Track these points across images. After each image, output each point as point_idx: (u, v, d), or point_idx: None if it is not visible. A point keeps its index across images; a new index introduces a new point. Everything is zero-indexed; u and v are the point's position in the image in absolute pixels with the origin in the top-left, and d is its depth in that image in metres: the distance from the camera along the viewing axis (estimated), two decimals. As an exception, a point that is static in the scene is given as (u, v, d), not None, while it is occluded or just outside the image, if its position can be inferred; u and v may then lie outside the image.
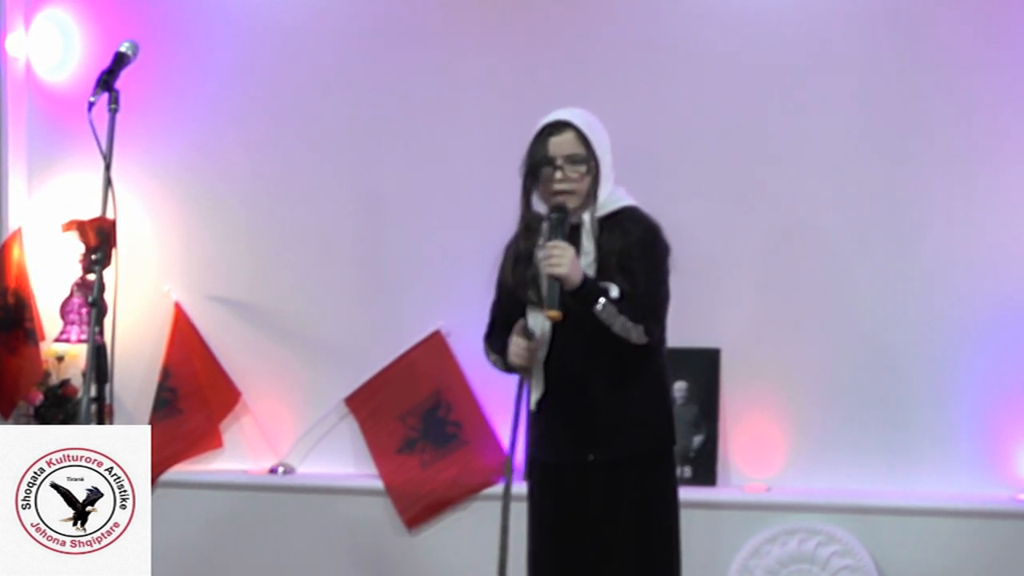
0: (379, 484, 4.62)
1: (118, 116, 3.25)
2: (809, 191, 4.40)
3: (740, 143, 4.45)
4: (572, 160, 3.28)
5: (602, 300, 3.16)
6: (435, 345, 4.66)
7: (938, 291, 4.29)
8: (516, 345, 3.31)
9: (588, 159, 3.29)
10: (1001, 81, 4.25)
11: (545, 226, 3.29)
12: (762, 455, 4.42)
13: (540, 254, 3.26)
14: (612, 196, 3.34)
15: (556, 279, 3.15)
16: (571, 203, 3.28)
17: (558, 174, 3.28)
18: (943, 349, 4.28)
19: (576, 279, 3.15)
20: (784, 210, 4.42)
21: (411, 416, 4.67)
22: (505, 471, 3.40)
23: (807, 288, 4.40)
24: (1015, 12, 4.25)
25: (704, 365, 4.42)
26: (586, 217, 3.30)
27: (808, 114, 4.40)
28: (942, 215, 4.30)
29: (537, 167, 3.30)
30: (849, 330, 4.36)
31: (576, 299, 3.17)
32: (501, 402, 4.39)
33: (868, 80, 4.35)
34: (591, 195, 3.30)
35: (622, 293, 3.20)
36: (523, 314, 3.36)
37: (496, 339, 3.45)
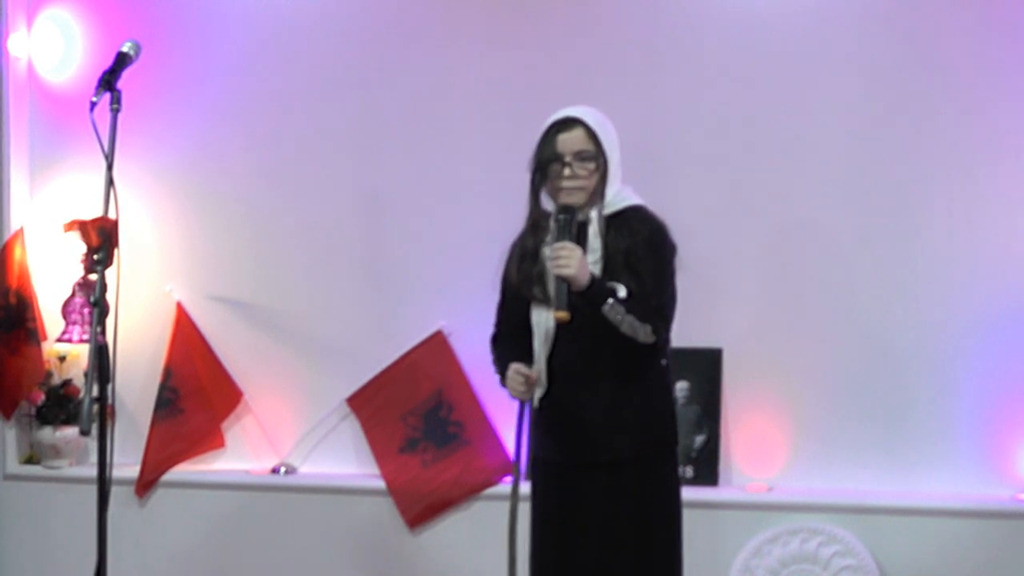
0: (381, 484, 4.62)
1: (120, 116, 3.24)
2: (810, 192, 4.40)
3: (741, 143, 4.45)
4: (581, 157, 3.28)
5: (610, 300, 3.16)
6: (437, 345, 4.66)
7: (939, 291, 4.29)
8: (514, 380, 3.31)
9: (597, 156, 3.29)
10: (1002, 80, 4.25)
11: (553, 226, 3.28)
12: (764, 455, 4.42)
13: (547, 252, 3.26)
14: (620, 195, 3.34)
15: (564, 280, 3.15)
16: (579, 200, 3.29)
17: (567, 171, 3.28)
18: (944, 349, 4.28)
19: (584, 280, 3.15)
20: (786, 210, 4.42)
21: (413, 416, 4.67)
22: (512, 490, 3.41)
23: (809, 288, 4.40)
24: (1016, 13, 4.25)
25: (706, 365, 4.42)
26: (594, 215, 3.30)
27: (808, 114, 4.40)
28: (943, 216, 4.30)
29: (546, 163, 3.31)
30: (850, 330, 4.36)
31: (584, 299, 3.17)
32: (503, 402, 4.39)
33: (870, 80, 4.35)
34: (599, 192, 3.31)
35: (629, 292, 3.20)
36: (528, 312, 3.36)
37: (502, 347, 3.46)
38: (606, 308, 3.16)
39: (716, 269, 4.36)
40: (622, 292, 3.19)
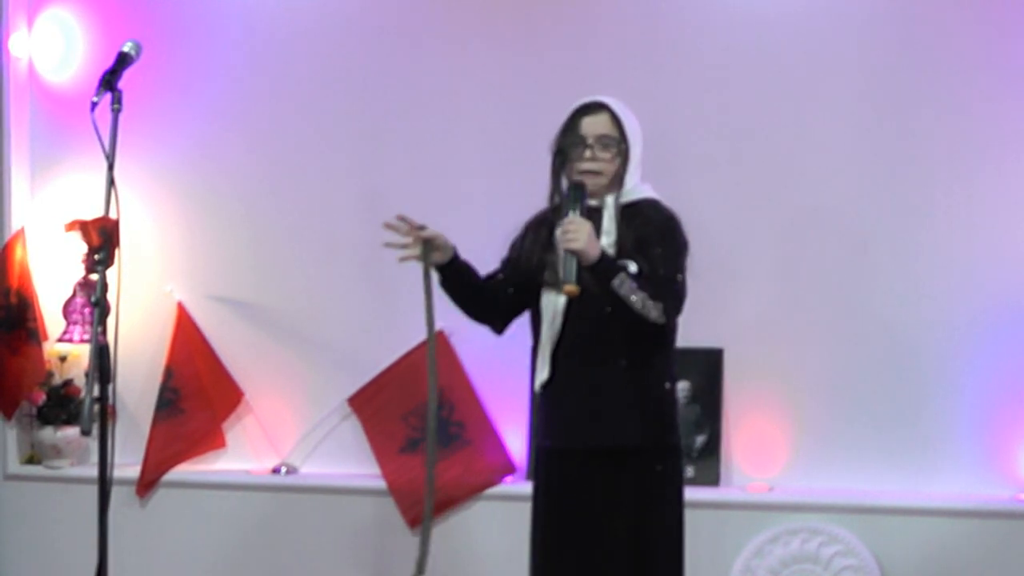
0: (382, 484, 4.62)
1: (121, 116, 3.25)
2: (812, 192, 4.40)
3: (743, 143, 4.45)
4: (603, 141, 3.30)
5: (621, 274, 3.15)
6: (438, 345, 4.65)
7: (939, 292, 4.30)
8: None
9: (619, 142, 3.31)
10: (1003, 80, 4.26)
11: (563, 201, 3.29)
12: (764, 455, 4.42)
13: (558, 233, 3.25)
14: (638, 187, 3.35)
15: (573, 253, 3.15)
16: (598, 183, 3.29)
17: (588, 153, 3.29)
18: (944, 349, 4.28)
19: (593, 254, 3.14)
20: (786, 211, 4.42)
21: (414, 416, 4.67)
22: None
23: (810, 289, 4.40)
24: (1016, 13, 4.25)
25: (707, 365, 4.42)
26: (610, 200, 3.31)
27: (808, 115, 4.40)
28: (944, 216, 4.31)
29: (568, 146, 3.31)
30: (851, 331, 4.36)
31: (593, 274, 3.16)
32: (504, 402, 4.41)
33: (869, 82, 4.35)
34: (618, 179, 3.31)
35: (640, 271, 3.20)
36: (525, 287, 3.36)
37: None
38: (616, 283, 3.15)
39: (717, 269, 4.34)
40: (633, 267, 3.19)
